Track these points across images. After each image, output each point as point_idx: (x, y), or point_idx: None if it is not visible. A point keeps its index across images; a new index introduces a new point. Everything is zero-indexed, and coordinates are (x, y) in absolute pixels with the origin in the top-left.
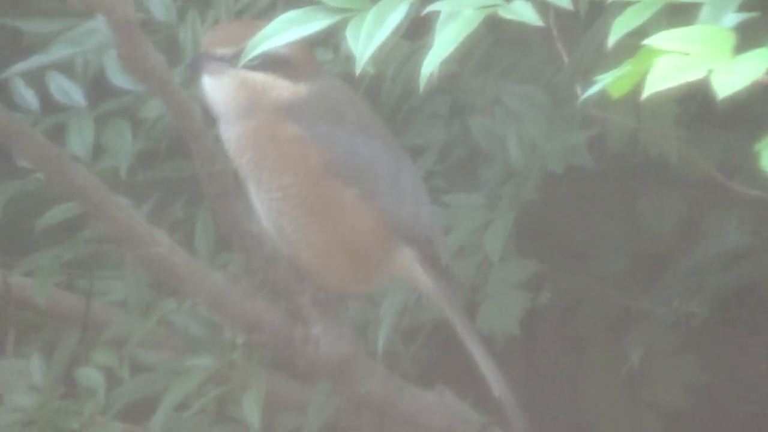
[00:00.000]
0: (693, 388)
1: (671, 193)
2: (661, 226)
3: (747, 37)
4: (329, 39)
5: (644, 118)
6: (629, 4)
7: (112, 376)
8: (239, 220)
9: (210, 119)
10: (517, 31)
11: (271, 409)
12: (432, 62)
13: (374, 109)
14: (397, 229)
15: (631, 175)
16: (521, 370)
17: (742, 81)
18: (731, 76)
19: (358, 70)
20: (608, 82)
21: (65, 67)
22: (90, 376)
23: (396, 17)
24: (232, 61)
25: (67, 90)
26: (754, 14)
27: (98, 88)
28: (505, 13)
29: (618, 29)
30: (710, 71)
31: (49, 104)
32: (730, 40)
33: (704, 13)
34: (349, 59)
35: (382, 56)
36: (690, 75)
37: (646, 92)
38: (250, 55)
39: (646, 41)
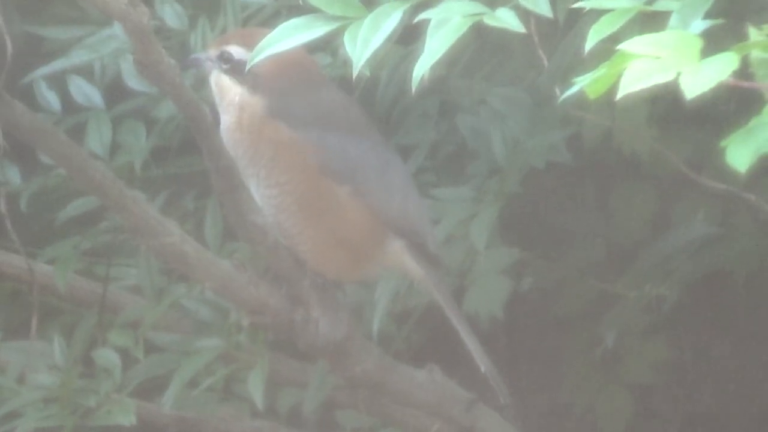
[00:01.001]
0: (662, 366)
1: (643, 187)
2: (634, 217)
3: (713, 42)
4: (328, 45)
5: (618, 118)
6: (604, 12)
7: (127, 356)
8: (245, 212)
9: (218, 118)
10: (501, 37)
11: (273, 387)
12: (423, 66)
13: (367, 112)
14: (387, 222)
15: (606, 170)
16: (504, 350)
17: (709, 83)
18: (699, 78)
19: (355, 74)
20: (585, 83)
21: (84, 71)
22: (107, 356)
23: (390, 24)
24: (214, 62)
25: (86, 92)
26: (719, 21)
27: (115, 90)
28: (490, 21)
29: (594, 35)
30: (679, 74)
31: (69, 106)
32: (697, 45)
33: (673, 20)
34: (346, 63)
35: (376, 60)
36: (661, 77)
37: (621, 93)
38: (257, 58)
39: (620, 46)
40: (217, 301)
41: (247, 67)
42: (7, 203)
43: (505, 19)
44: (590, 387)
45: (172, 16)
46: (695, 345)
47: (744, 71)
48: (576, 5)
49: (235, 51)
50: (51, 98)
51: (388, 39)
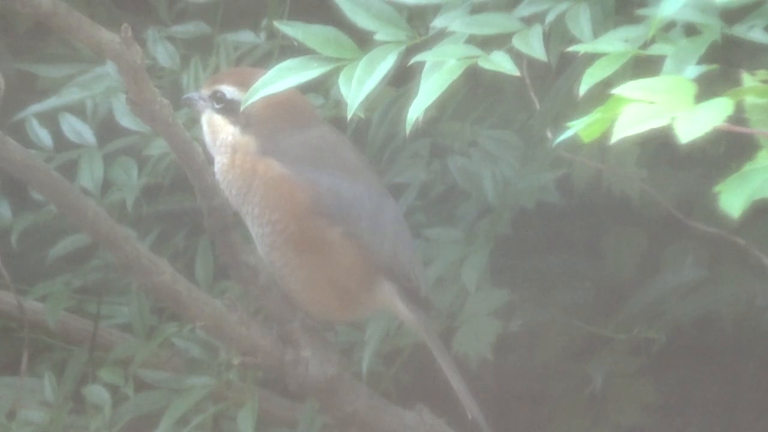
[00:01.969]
0: (651, 408)
1: (633, 229)
2: (623, 260)
3: (707, 88)
4: (320, 85)
5: (608, 160)
6: (597, 56)
7: (117, 393)
8: (237, 251)
9: (210, 157)
10: (493, 79)
11: (263, 425)
12: (418, 108)
13: (361, 152)
14: (378, 265)
15: (596, 212)
16: (493, 391)
17: (704, 127)
18: (693, 123)
19: (349, 115)
20: (580, 128)
21: (77, 109)
22: (97, 393)
23: (385, 66)
24: (207, 101)
25: (79, 130)
26: (713, 67)
27: (107, 128)
28: (485, 64)
29: (588, 79)
30: (674, 119)
31: (61, 143)
32: (691, 90)
33: (668, 65)
34: (338, 104)
35: (369, 101)
36: (655, 122)
37: (615, 137)
38: (252, 100)
39: (615, 90)
40: (207, 339)
41: (242, 108)
42: None
43: (500, 63)
44: (579, 429)
45: (164, 55)
46: (683, 387)
47: (737, 116)
48: (570, 49)
49: (228, 90)
50: (43, 135)
51: (382, 80)
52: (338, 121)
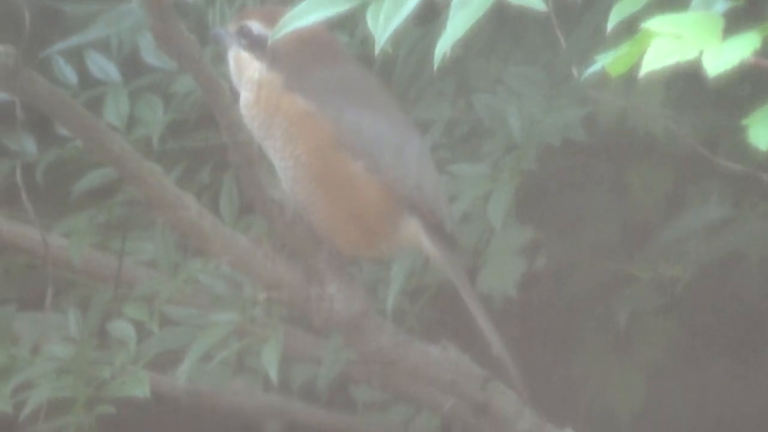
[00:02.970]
0: (675, 348)
1: (658, 167)
2: (648, 197)
3: (734, 23)
4: (345, 23)
5: (634, 99)
6: None
7: (142, 329)
8: (262, 187)
9: (237, 94)
10: (518, 16)
11: (287, 361)
12: (445, 43)
13: (388, 88)
14: (402, 199)
15: (621, 149)
16: (518, 329)
17: (731, 61)
18: (721, 57)
19: (377, 51)
20: (607, 61)
21: (102, 46)
22: (122, 329)
23: (412, 2)
24: (233, 37)
25: (104, 67)
26: (740, 2)
27: (132, 65)
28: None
29: (616, 15)
30: (701, 53)
31: (86, 80)
32: (719, 24)
33: (696, 1)
34: (364, 41)
35: (395, 39)
36: (683, 56)
37: (643, 71)
38: (279, 34)
39: (643, 24)
40: (232, 275)
41: (269, 43)
42: (23, 174)
43: None
44: (602, 366)
45: None
46: (707, 326)
47: (765, 51)
48: None
49: (255, 27)
50: (68, 72)
51: (409, 16)
52: (364, 59)
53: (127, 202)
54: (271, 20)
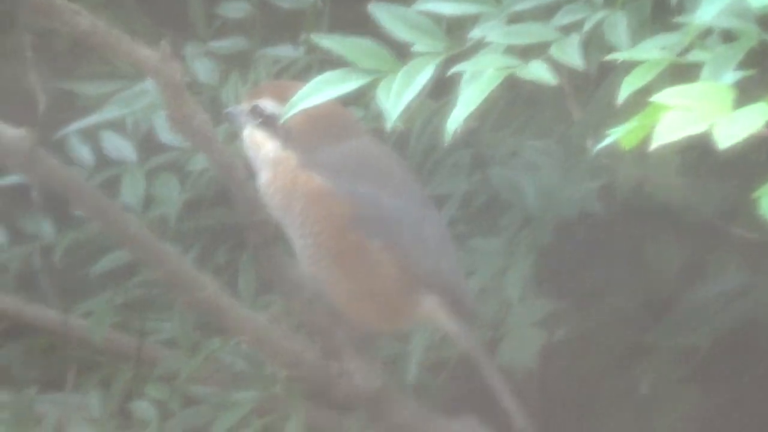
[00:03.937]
0: (696, 417)
1: (676, 237)
2: (667, 268)
3: (745, 93)
4: (360, 98)
5: (649, 169)
6: (636, 64)
7: (164, 408)
8: (280, 266)
9: (252, 172)
10: (532, 89)
11: None
12: (457, 118)
13: (404, 162)
14: (421, 277)
15: (638, 220)
16: (539, 401)
17: (742, 133)
18: (732, 128)
19: (388, 127)
20: (620, 135)
21: (117, 126)
22: (144, 409)
23: (423, 77)
24: (247, 116)
25: (120, 147)
26: (751, 72)
27: (148, 144)
28: (523, 74)
29: (627, 87)
30: (712, 125)
31: (102, 160)
32: (729, 95)
33: (705, 71)
34: (379, 116)
35: (408, 113)
36: (694, 128)
37: (654, 144)
38: (290, 113)
39: (653, 98)
40: (252, 353)
41: (281, 122)
42: (41, 257)
43: (538, 72)
44: None
45: (203, 71)
46: (728, 394)
47: None
48: (608, 57)
49: (268, 105)
50: (84, 152)
51: (421, 91)
52: (379, 133)
53: (146, 283)
54: (283, 97)
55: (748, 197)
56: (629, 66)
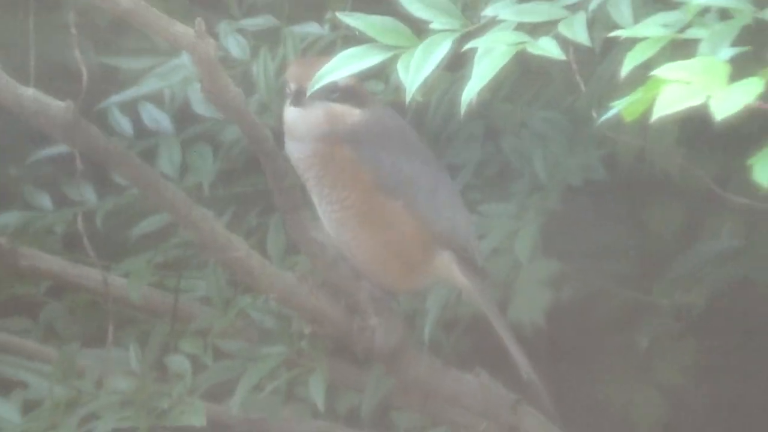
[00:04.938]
0: (693, 369)
1: (673, 203)
2: (665, 231)
3: (739, 68)
4: (380, 72)
5: (650, 139)
6: (638, 40)
7: (197, 362)
8: (306, 228)
9: (280, 142)
10: (541, 64)
11: (333, 389)
12: (471, 91)
13: (419, 133)
14: (436, 235)
15: (639, 187)
16: (546, 354)
17: (737, 105)
18: (727, 101)
19: (408, 99)
20: (622, 107)
21: (155, 98)
22: (179, 362)
23: (441, 52)
24: (319, 94)
25: (157, 118)
26: (746, 48)
27: (183, 116)
28: (533, 49)
29: (629, 62)
30: (709, 97)
31: (141, 131)
32: (725, 70)
33: (703, 47)
34: (398, 89)
35: (426, 86)
36: (692, 101)
37: (655, 116)
38: (317, 86)
39: (654, 72)
40: (280, 310)
41: (308, 94)
42: (84, 221)
43: (547, 48)
44: (626, 387)
45: (235, 47)
46: (723, 350)
47: None
48: (612, 34)
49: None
50: (124, 124)
51: (438, 66)
52: (398, 106)
53: (182, 244)
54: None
55: (741, 165)
56: (631, 42)
